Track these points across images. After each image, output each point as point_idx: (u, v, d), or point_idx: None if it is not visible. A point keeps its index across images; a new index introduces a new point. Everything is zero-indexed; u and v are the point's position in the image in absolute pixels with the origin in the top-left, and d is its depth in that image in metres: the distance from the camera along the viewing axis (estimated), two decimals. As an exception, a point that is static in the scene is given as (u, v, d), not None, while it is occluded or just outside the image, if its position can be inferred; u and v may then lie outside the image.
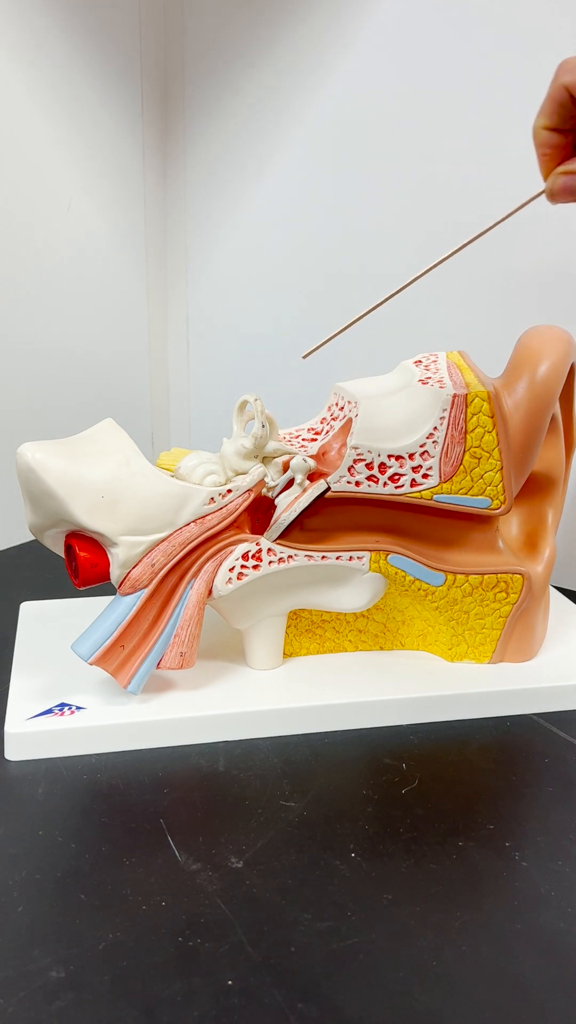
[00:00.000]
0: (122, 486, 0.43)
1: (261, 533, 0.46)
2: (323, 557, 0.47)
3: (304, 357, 0.46)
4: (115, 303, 0.79)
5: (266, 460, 0.47)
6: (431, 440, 0.45)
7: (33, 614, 0.56)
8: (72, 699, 0.46)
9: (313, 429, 0.51)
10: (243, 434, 0.47)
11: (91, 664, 0.43)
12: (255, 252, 0.79)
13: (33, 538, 0.60)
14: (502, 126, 0.62)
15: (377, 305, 0.45)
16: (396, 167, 0.68)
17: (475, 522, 0.48)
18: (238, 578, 0.45)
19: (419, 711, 0.48)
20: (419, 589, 0.48)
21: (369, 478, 0.46)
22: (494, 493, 0.47)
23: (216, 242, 0.81)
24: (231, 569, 0.45)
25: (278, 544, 0.46)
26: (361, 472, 0.45)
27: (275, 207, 0.76)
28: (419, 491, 0.46)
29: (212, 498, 0.44)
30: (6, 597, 0.61)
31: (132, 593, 0.44)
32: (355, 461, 0.45)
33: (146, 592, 0.44)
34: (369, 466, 0.45)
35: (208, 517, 0.44)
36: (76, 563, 0.43)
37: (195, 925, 0.34)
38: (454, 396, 0.45)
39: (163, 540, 0.44)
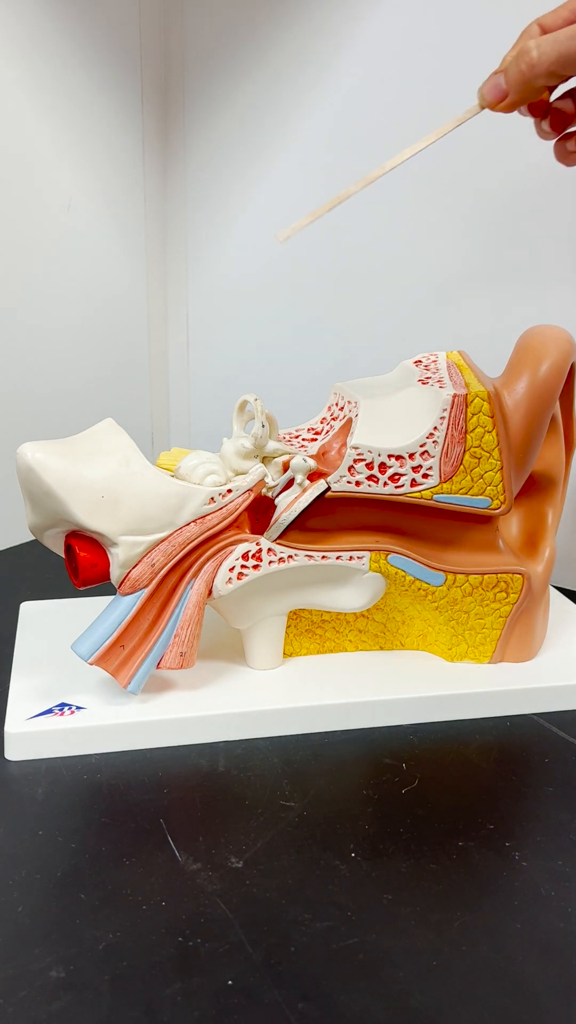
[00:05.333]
0: (122, 486, 0.43)
1: (261, 533, 0.46)
2: (323, 557, 0.47)
3: (282, 240, 0.44)
4: (115, 303, 0.79)
5: (266, 460, 0.47)
6: (431, 440, 0.45)
7: (33, 614, 0.56)
8: (72, 699, 0.46)
9: (313, 429, 0.51)
10: (243, 434, 0.47)
11: (91, 664, 0.43)
12: (256, 252, 0.79)
13: (33, 538, 0.60)
14: (506, 122, 0.62)
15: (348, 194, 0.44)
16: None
17: (475, 522, 0.48)
18: (238, 578, 0.45)
19: (419, 711, 0.48)
20: (419, 589, 0.48)
21: (369, 478, 0.46)
22: (494, 493, 0.47)
23: (217, 242, 0.81)
24: (231, 569, 0.45)
25: (278, 544, 0.46)
26: (361, 472, 0.45)
27: (276, 206, 0.76)
28: (419, 491, 0.46)
29: (212, 498, 0.44)
30: (6, 597, 0.61)
31: (132, 593, 0.44)
32: (355, 461, 0.45)
33: (146, 592, 0.44)
34: (369, 466, 0.45)
35: (208, 517, 0.44)
36: (76, 563, 0.43)
37: (195, 925, 0.34)
38: (454, 396, 0.45)
39: (163, 540, 0.44)
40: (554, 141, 0.44)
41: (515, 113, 0.43)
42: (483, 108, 0.42)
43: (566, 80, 0.39)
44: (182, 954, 0.32)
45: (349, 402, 0.48)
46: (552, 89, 0.42)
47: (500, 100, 0.41)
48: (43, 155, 0.68)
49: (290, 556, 0.46)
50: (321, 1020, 0.30)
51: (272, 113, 0.74)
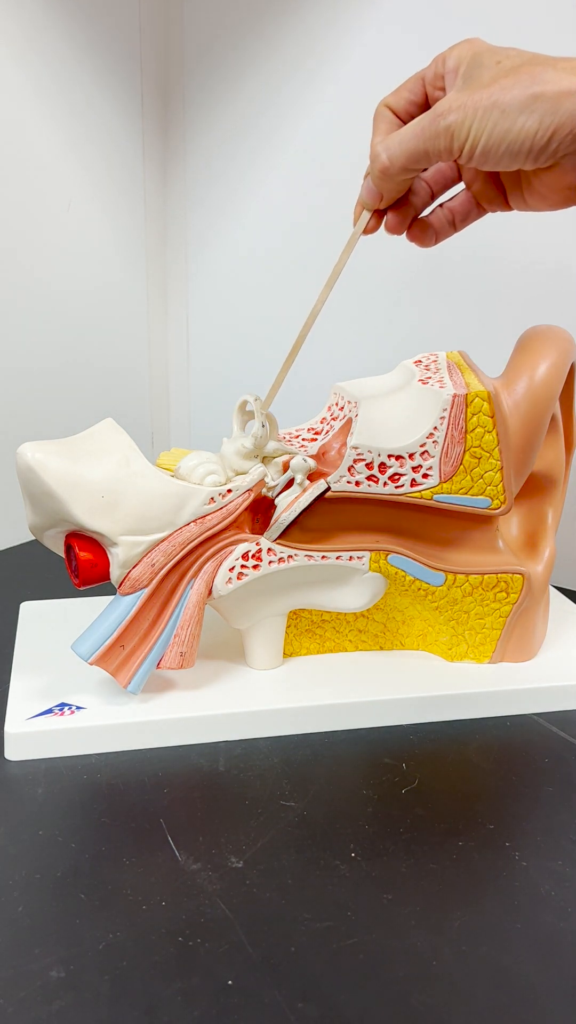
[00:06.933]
0: (122, 486, 0.43)
1: (261, 533, 0.46)
2: (323, 557, 0.47)
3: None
4: (115, 303, 0.79)
5: (266, 460, 0.47)
6: (431, 440, 0.45)
7: (33, 614, 0.56)
8: (72, 699, 0.46)
9: (313, 429, 0.51)
10: (243, 434, 0.47)
11: (91, 664, 0.43)
12: (256, 252, 0.79)
13: (33, 538, 0.60)
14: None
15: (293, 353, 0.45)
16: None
17: (475, 522, 0.48)
18: (238, 578, 0.45)
19: (419, 711, 0.48)
20: (419, 589, 0.48)
21: (369, 478, 0.46)
22: (494, 493, 0.47)
23: (216, 242, 0.81)
24: (231, 569, 0.45)
25: (278, 544, 0.46)
26: (361, 472, 0.45)
27: (275, 206, 0.76)
28: (419, 491, 0.46)
29: (212, 498, 0.44)
30: (6, 597, 0.61)
31: (132, 593, 0.44)
32: (355, 461, 0.45)
33: (146, 592, 0.44)
34: (369, 466, 0.45)
35: (208, 517, 0.44)
36: (76, 563, 0.43)
37: (195, 925, 0.34)
38: (454, 396, 0.45)
39: (163, 540, 0.44)
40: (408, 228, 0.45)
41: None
42: (370, 211, 0.43)
43: (423, 170, 0.41)
44: (182, 954, 0.32)
45: (349, 402, 0.48)
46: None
47: (378, 200, 0.42)
48: (43, 155, 0.68)
49: (290, 556, 0.46)
50: (321, 1020, 0.30)
51: (272, 113, 0.74)
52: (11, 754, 0.43)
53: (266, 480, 0.46)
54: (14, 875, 0.36)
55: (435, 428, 0.45)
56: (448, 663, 0.51)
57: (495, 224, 0.64)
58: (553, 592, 0.60)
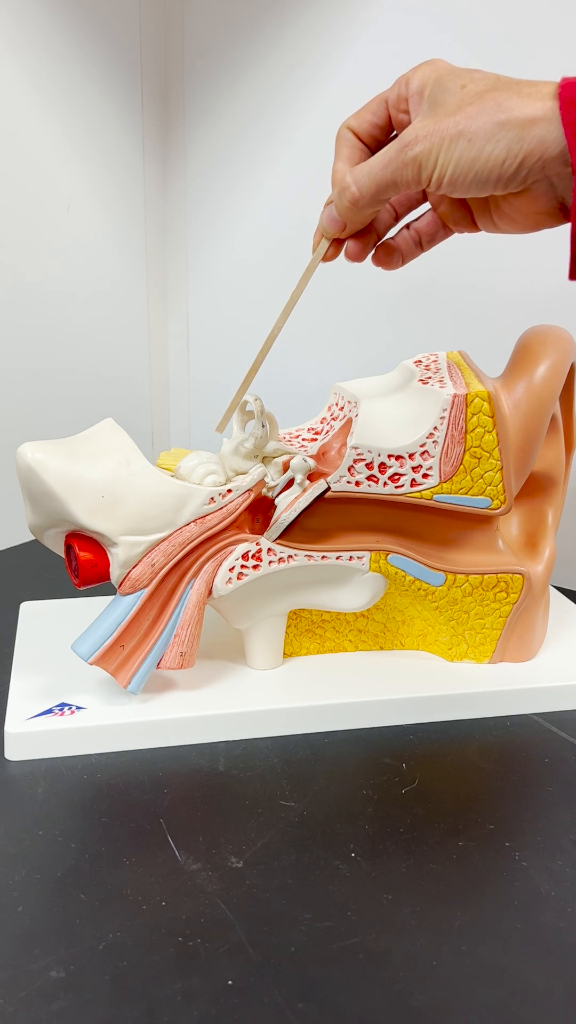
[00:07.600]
0: (122, 486, 0.43)
1: (261, 533, 0.46)
2: (323, 557, 0.47)
3: (221, 431, 0.46)
4: (115, 303, 0.79)
5: (266, 460, 0.47)
6: (431, 440, 0.45)
7: (33, 614, 0.56)
8: (72, 699, 0.46)
9: (313, 429, 0.51)
10: (243, 434, 0.47)
11: (91, 664, 0.43)
12: (256, 252, 0.79)
13: (33, 538, 0.60)
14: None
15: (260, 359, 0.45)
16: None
17: (475, 522, 0.48)
18: (238, 578, 0.45)
19: (419, 711, 0.48)
20: (419, 589, 0.48)
21: (369, 478, 0.46)
22: (494, 493, 0.47)
23: (216, 242, 0.81)
24: (231, 569, 0.45)
25: (278, 544, 0.46)
26: (361, 472, 0.45)
27: (275, 208, 0.76)
28: (419, 491, 0.46)
29: (212, 498, 0.44)
30: (6, 597, 0.61)
31: (132, 593, 0.44)
32: (355, 461, 0.45)
33: (146, 592, 0.44)
34: (369, 466, 0.45)
35: (208, 517, 0.44)
36: (76, 563, 0.43)
37: (195, 925, 0.34)
38: (454, 396, 0.45)
39: (163, 540, 0.44)
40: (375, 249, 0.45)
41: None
42: (329, 239, 0.42)
43: (389, 200, 0.40)
44: (182, 954, 0.32)
45: (349, 402, 0.48)
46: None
47: (341, 229, 0.42)
48: (43, 155, 0.68)
49: (290, 556, 0.46)
50: (321, 1020, 0.30)
51: (272, 113, 0.74)
52: (11, 754, 0.43)
53: (266, 480, 0.46)
54: (14, 875, 0.36)
55: (435, 428, 0.45)
56: (448, 663, 0.51)
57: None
58: (553, 592, 0.60)
